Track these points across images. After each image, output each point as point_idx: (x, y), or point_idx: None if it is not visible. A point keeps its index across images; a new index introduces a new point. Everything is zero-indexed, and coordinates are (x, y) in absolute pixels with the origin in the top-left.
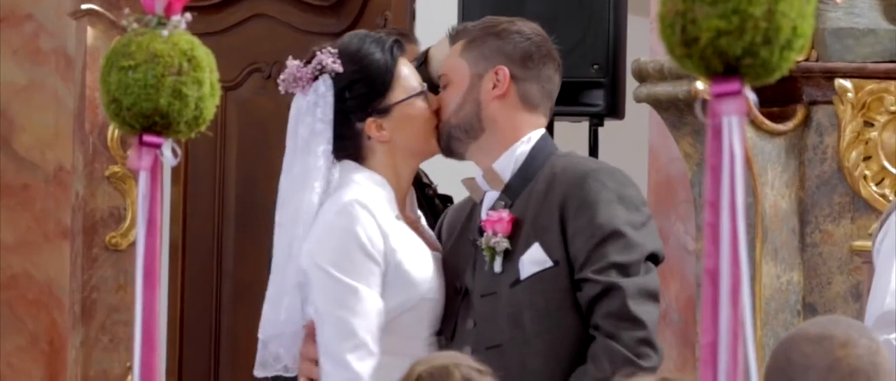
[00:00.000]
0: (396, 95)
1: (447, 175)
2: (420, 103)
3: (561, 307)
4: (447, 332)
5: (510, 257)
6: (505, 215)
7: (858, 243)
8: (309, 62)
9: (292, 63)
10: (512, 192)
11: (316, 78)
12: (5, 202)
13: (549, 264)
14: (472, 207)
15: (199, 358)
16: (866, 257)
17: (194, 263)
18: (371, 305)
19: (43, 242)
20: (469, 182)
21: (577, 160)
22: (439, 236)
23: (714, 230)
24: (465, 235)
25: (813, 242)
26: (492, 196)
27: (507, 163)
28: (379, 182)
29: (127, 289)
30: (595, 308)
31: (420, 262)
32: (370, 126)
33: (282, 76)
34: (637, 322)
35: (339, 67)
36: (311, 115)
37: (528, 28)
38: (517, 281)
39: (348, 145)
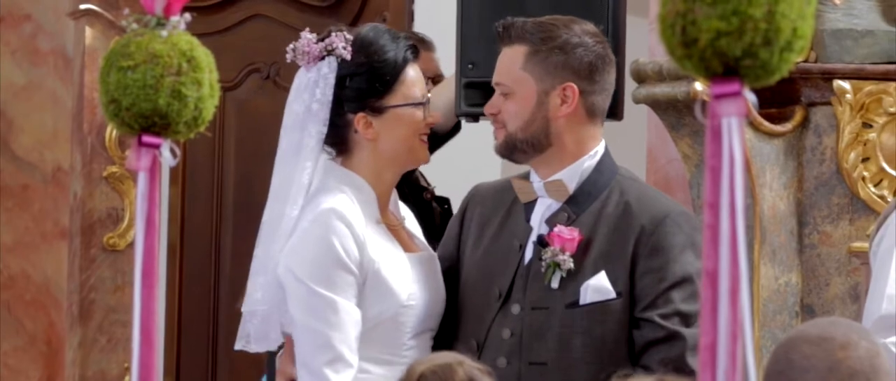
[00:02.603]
0: (395, 98)
1: (444, 176)
2: (415, 114)
3: (616, 340)
4: (479, 337)
5: (572, 276)
6: (576, 233)
7: (857, 245)
8: (323, 40)
9: (306, 36)
10: (576, 205)
11: (323, 57)
12: (4, 203)
13: (613, 295)
14: (511, 204)
15: (197, 359)
16: (865, 259)
17: (192, 263)
18: (347, 316)
19: (41, 242)
20: (522, 184)
21: (652, 194)
22: (462, 222)
23: (713, 232)
24: (504, 234)
25: (811, 243)
26: (546, 202)
27: (573, 175)
28: (359, 185)
29: (125, 290)
30: (651, 351)
31: (399, 270)
32: (359, 121)
33: (291, 45)
34: (692, 375)
35: (346, 54)
36: (309, 92)
37: (588, 35)
38: (575, 304)
39: (336, 133)
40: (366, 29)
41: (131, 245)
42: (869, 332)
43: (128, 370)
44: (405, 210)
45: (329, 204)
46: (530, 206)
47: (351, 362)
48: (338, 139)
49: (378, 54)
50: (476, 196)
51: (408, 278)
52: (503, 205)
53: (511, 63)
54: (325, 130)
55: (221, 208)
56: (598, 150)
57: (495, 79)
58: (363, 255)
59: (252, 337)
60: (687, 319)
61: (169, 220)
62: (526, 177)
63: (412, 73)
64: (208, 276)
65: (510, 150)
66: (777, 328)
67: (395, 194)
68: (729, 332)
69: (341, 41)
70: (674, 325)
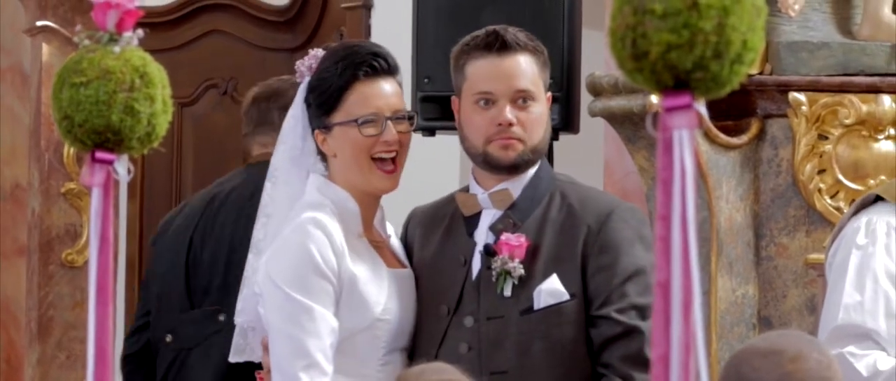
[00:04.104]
0: (338, 115)
1: (401, 192)
2: (353, 133)
3: (575, 341)
4: (427, 355)
5: (523, 283)
6: (523, 239)
7: (813, 256)
8: None
9: (311, 52)
10: (520, 212)
11: (304, 74)
12: None
13: (567, 297)
14: (449, 221)
15: None
16: (821, 271)
17: None
18: (324, 324)
19: None
20: (465, 197)
21: (593, 193)
22: (407, 246)
23: (665, 244)
24: (446, 251)
25: (768, 255)
26: (491, 214)
27: (518, 183)
28: (341, 198)
29: (83, 306)
30: (610, 348)
31: (376, 283)
32: (317, 136)
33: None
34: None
35: (306, 70)
36: (291, 109)
37: None
38: (530, 309)
39: (316, 148)
40: (335, 46)
41: None
42: (822, 344)
43: None
44: (390, 229)
45: (310, 214)
46: (472, 220)
47: (326, 369)
48: (319, 153)
49: (323, 72)
50: (414, 218)
51: (385, 292)
52: (440, 223)
53: (529, 70)
54: (299, 144)
55: None
56: None
57: (519, 85)
58: (341, 265)
59: (238, 348)
60: (643, 311)
61: (127, 235)
62: (466, 190)
63: (361, 90)
64: None
65: (527, 160)
66: (734, 340)
67: (381, 211)
68: (682, 344)
69: (309, 59)
70: (631, 319)
